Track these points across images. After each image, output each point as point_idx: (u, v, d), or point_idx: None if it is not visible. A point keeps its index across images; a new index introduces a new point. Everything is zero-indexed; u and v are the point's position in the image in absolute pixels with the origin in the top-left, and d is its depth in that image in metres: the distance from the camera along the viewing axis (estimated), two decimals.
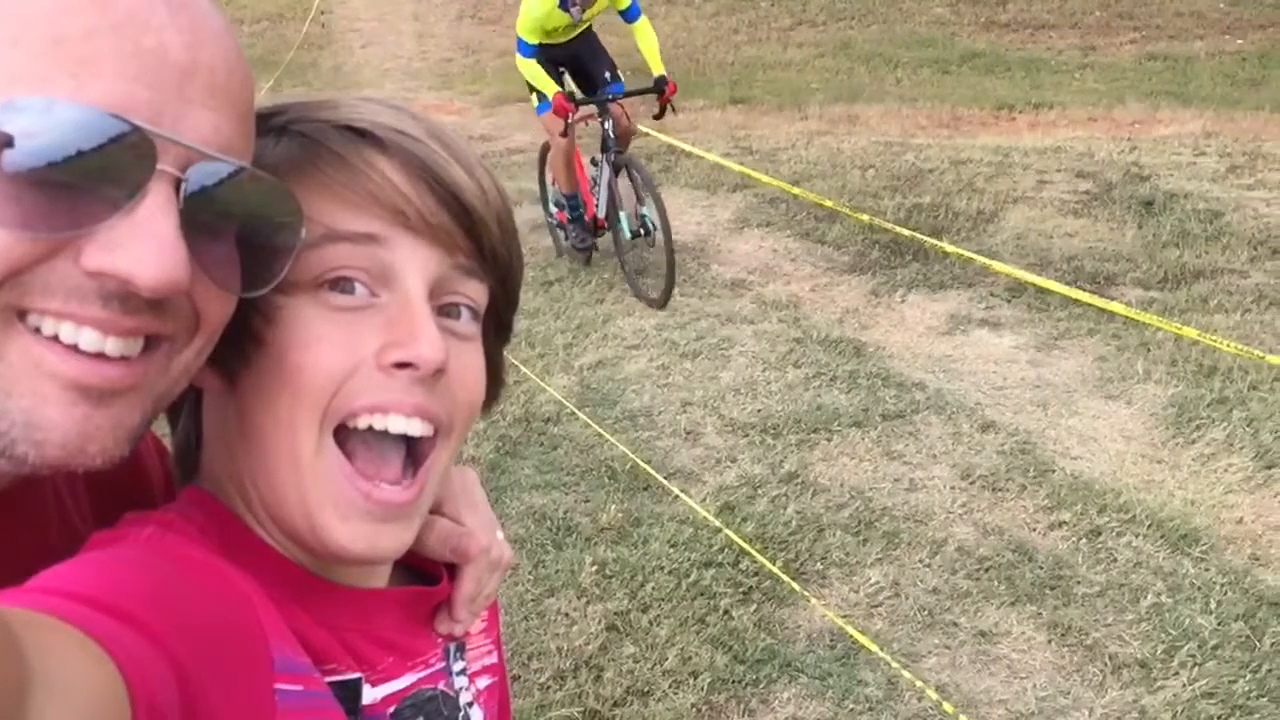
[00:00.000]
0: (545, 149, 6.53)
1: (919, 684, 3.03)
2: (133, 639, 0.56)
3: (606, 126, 5.80)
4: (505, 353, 0.89)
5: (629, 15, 5.85)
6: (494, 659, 0.94)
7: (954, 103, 9.42)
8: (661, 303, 5.63)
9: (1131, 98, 9.30)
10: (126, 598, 0.60)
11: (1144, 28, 11.94)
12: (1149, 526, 3.68)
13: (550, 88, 5.62)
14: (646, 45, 5.87)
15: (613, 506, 3.84)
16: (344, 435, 0.72)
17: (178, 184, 0.61)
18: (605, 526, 3.76)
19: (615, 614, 3.33)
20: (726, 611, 3.35)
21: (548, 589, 3.47)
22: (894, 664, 3.10)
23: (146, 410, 0.66)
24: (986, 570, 3.53)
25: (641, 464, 4.06)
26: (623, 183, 5.90)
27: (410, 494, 0.75)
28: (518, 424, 4.45)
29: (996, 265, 5.05)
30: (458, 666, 0.88)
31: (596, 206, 6.08)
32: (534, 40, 5.61)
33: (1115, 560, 3.55)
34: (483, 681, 0.91)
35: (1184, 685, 3.04)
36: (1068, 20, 12.47)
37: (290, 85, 10.95)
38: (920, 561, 3.58)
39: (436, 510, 0.86)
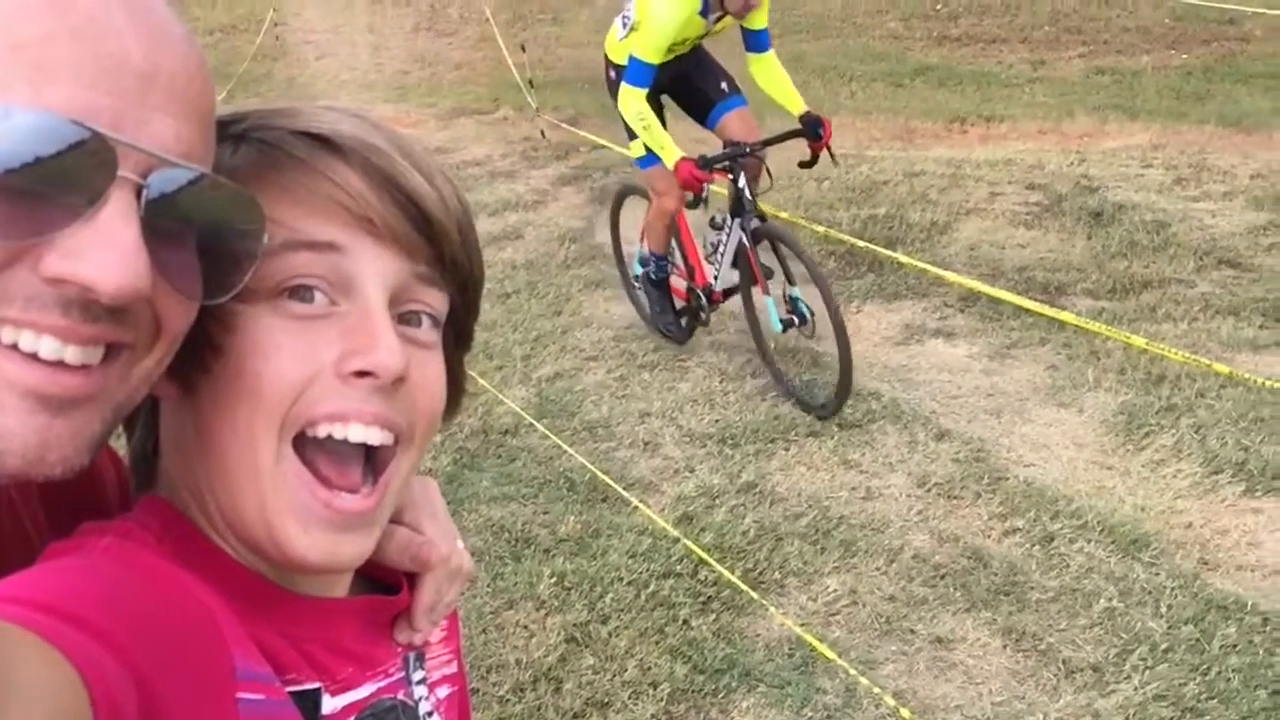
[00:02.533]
0: (621, 195, 5.54)
1: (877, 691, 3.05)
2: (92, 646, 0.56)
3: (741, 185, 4.54)
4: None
5: (758, 42, 4.75)
6: (454, 668, 0.93)
7: (907, 116, 9.51)
8: (833, 409, 4.46)
9: (1080, 111, 9.44)
10: (85, 605, 0.59)
11: (1092, 42, 12.12)
12: (1100, 532, 3.73)
13: (671, 149, 4.41)
14: (778, 81, 4.81)
15: (571, 518, 3.83)
16: (303, 444, 0.72)
17: (139, 190, 0.60)
18: (564, 538, 3.75)
19: (574, 625, 3.33)
20: (685, 621, 3.35)
21: (506, 601, 3.46)
22: (852, 671, 3.12)
23: (107, 419, 0.66)
24: (942, 577, 3.57)
25: (600, 475, 4.06)
26: (761, 253, 4.63)
27: (370, 503, 0.75)
28: (476, 436, 4.43)
29: (950, 276, 5.11)
30: (417, 676, 0.88)
31: (714, 278, 4.92)
32: (656, 59, 4.45)
33: (1068, 566, 3.60)
34: (442, 691, 0.91)
35: (1136, 688, 3.08)
36: (1017, 35, 12.63)
37: (244, 97, 10.86)
38: (877, 569, 3.61)
39: (396, 519, 0.86)
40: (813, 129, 4.63)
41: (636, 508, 3.87)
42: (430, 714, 0.88)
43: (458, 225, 0.77)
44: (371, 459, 0.76)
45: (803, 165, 4.74)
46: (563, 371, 5.04)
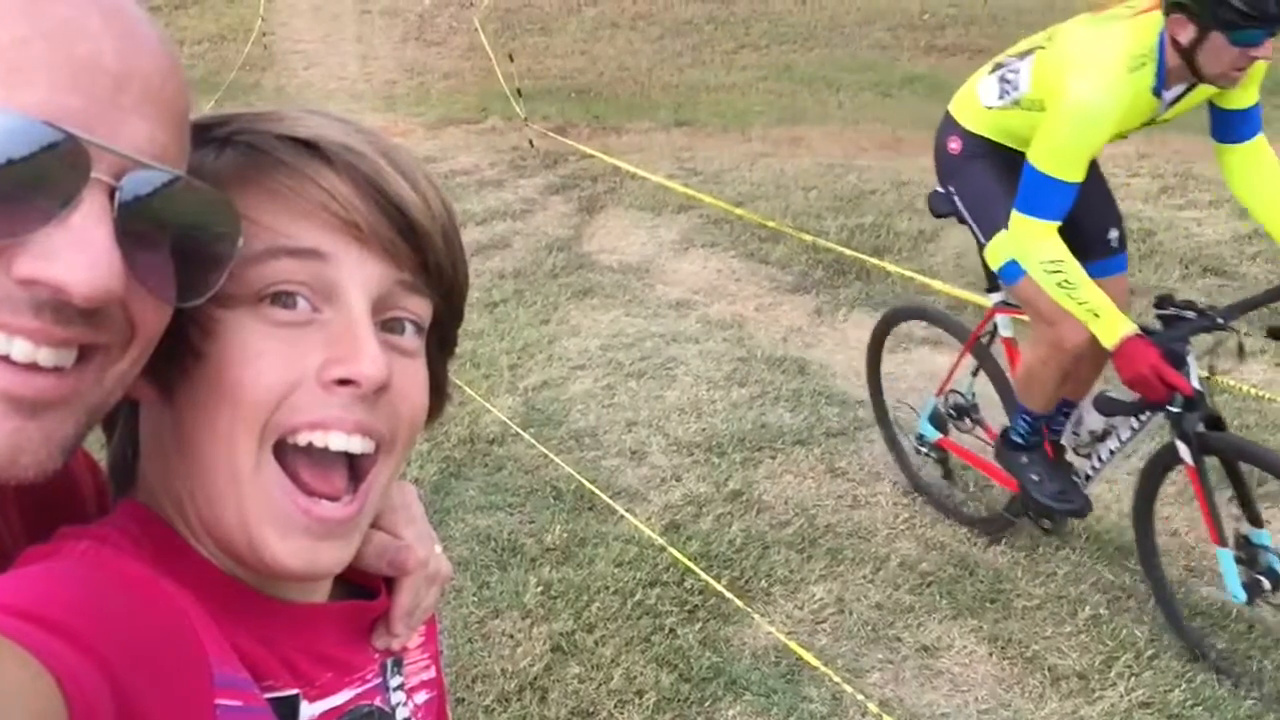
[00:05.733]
0: (893, 318, 4.19)
1: (862, 699, 3.05)
2: (68, 652, 0.56)
3: (1190, 365, 3.01)
4: (449, 370, 0.88)
5: (1242, 124, 3.15)
6: (432, 674, 0.93)
7: (895, 125, 9.53)
8: None
9: None
10: (61, 610, 0.59)
11: None
12: (1086, 539, 3.74)
13: (1114, 317, 2.91)
14: (1266, 185, 3.15)
15: (558, 527, 3.82)
16: (284, 450, 0.72)
17: (112, 192, 0.60)
18: (550, 547, 3.74)
19: (560, 634, 3.32)
20: (672, 630, 3.35)
21: (492, 610, 3.45)
22: (838, 680, 3.12)
23: (80, 422, 0.65)
24: (929, 585, 3.57)
25: (587, 484, 4.06)
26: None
27: (351, 510, 0.75)
28: (462, 445, 4.42)
29: (937, 284, 5.12)
30: (395, 682, 0.87)
31: (1086, 477, 3.52)
32: (1078, 173, 2.93)
33: (1054, 573, 3.61)
34: (420, 697, 0.91)
35: (1121, 695, 3.09)
36: (1005, 45, 12.66)
37: (232, 106, 10.78)
38: (864, 577, 3.61)
39: (374, 523, 0.85)
40: None
41: (623, 517, 3.87)
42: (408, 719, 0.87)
43: (442, 231, 0.77)
44: (353, 466, 0.75)
45: (1273, 334, 3.06)
46: (550, 380, 5.03)
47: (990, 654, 3.28)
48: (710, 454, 4.36)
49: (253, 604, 0.76)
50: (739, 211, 5.77)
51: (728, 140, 9.38)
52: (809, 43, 13.15)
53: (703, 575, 3.54)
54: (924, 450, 4.04)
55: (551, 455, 4.27)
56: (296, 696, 0.76)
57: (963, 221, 3.48)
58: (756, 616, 3.39)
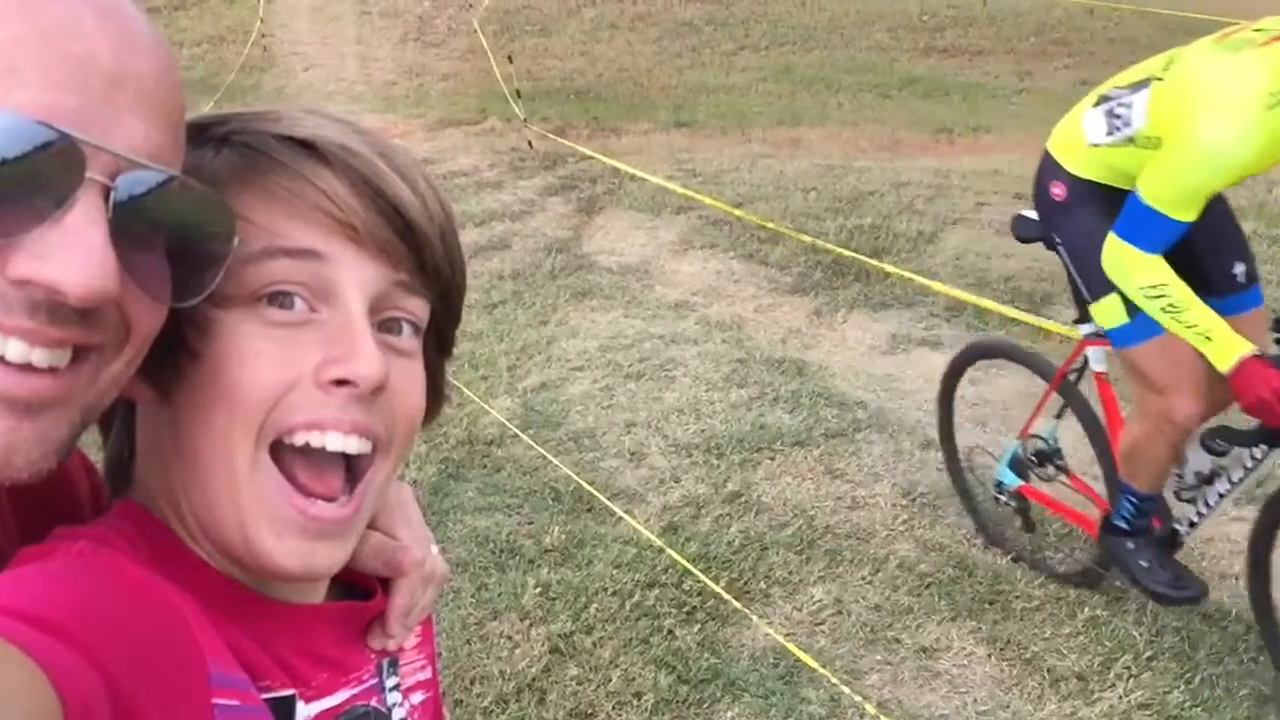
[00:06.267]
0: (967, 358, 3.87)
1: (861, 700, 3.05)
2: (63, 652, 0.56)
3: None
4: (447, 375, 0.88)
5: None
6: (428, 674, 0.93)
7: (894, 126, 9.54)
8: None
9: None
10: (56, 610, 0.59)
11: (1078, 54, 12.19)
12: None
13: (1228, 339, 2.70)
14: None
15: (556, 528, 3.82)
16: (281, 451, 0.72)
17: (107, 192, 0.60)
18: (549, 548, 3.74)
19: (558, 636, 3.32)
20: (670, 632, 3.35)
21: (490, 612, 3.45)
22: (836, 681, 3.12)
23: (74, 422, 0.65)
24: (927, 586, 3.57)
25: (585, 485, 4.05)
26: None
27: (348, 511, 0.75)
28: (461, 447, 4.42)
29: (936, 285, 5.12)
30: (391, 682, 0.87)
31: (1188, 523, 3.23)
32: (1191, 213, 2.69)
33: (1053, 575, 3.60)
34: (416, 697, 0.90)
35: (1120, 697, 3.09)
36: (1004, 46, 12.70)
37: (230, 107, 10.77)
38: (862, 579, 3.61)
39: (371, 524, 0.85)
40: None
41: (621, 518, 3.87)
42: None
43: (440, 232, 0.76)
44: (350, 466, 0.75)
45: None
46: (548, 382, 5.03)
47: (989, 655, 3.28)
48: (709, 455, 4.36)
49: (249, 604, 0.76)
50: (738, 213, 5.77)
51: (727, 141, 9.38)
52: (808, 44, 13.16)
53: (701, 577, 3.54)
54: (1003, 499, 3.72)
55: (550, 457, 4.27)
56: (293, 697, 0.76)
57: (1066, 269, 3.17)
58: (755, 618, 3.39)
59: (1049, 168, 3.13)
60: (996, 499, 3.75)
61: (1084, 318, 3.24)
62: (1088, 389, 3.42)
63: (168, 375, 0.71)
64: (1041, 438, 3.62)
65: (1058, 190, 3.09)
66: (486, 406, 4.65)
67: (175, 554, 0.74)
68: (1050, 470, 3.61)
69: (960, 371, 3.87)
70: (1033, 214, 3.22)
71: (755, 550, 3.74)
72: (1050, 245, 3.19)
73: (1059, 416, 3.58)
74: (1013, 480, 3.67)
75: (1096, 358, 3.30)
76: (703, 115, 10.15)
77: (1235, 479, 3.02)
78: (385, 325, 0.75)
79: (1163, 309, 2.75)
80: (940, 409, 3.95)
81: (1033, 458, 3.64)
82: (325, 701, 0.79)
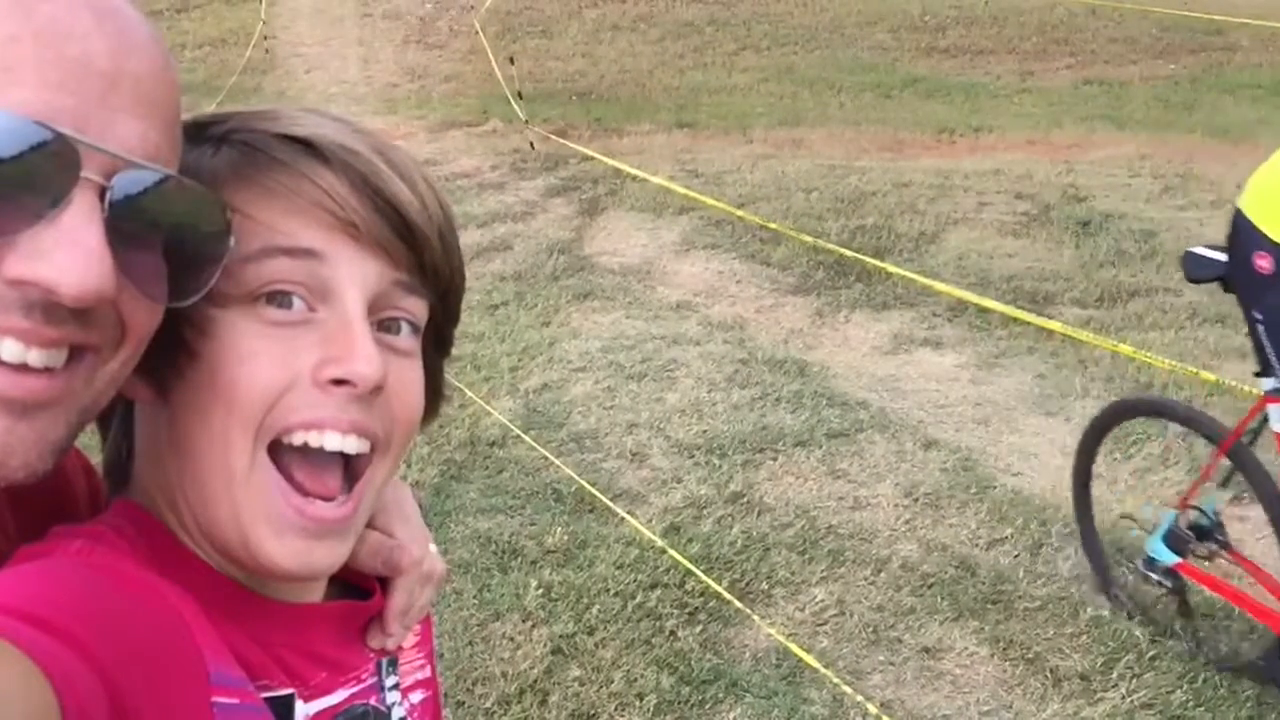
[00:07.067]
0: (1114, 415, 3.49)
1: (863, 701, 3.05)
2: (61, 651, 0.56)
3: None
4: (449, 376, 0.88)
5: None
6: (427, 673, 0.93)
7: (896, 126, 9.54)
8: None
9: (1068, 121, 9.49)
10: (55, 610, 0.59)
11: (1079, 53, 12.19)
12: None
13: None
14: None
15: (558, 529, 3.82)
16: (279, 450, 0.72)
17: (102, 192, 0.60)
18: (551, 549, 3.74)
19: (561, 637, 3.32)
20: (672, 633, 3.34)
21: (493, 613, 3.44)
22: (839, 682, 3.11)
23: (71, 423, 0.65)
24: (930, 586, 3.56)
25: (587, 486, 4.05)
26: None
27: (346, 510, 0.74)
28: (463, 448, 4.42)
29: (938, 285, 5.12)
30: (390, 681, 0.87)
31: None
32: None
33: (1056, 574, 3.60)
34: (416, 696, 0.90)
35: (1123, 697, 3.08)
36: (1005, 46, 12.69)
37: (230, 107, 10.76)
38: (865, 579, 3.61)
39: (369, 524, 0.85)
40: None
41: (624, 519, 3.86)
42: (403, 719, 0.87)
43: (439, 232, 0.76)
44: (348, 466, 0.75)
45: None
46: (550, 383, 5.03)
47: (992, 655, 3.28)
48: (711, 456, 4.36)
49: (247, 604, 0.76)
50: (740, 213, 5.77)
51: (729, 142, 9.38)
52: (810, 44, 13.15)
53: (703, 577, 3.54)
54: (1154, 577, 3.29)
55: (552, 457, 4.27)
56: (291, 696, 0.76)
57: (1252, 329, 2.85)
58: (757, 619, 3.39)
59: (1251, 237, 2.76)
60: (1146, 576, 3.33)
61: (1265, 370, 2.86)
62: (1264, 453, 3.04)
63: (166, 375, 0.71)
64: (1200, 509, 3.23)
65: (1264, 263, 2.73)
66: (488, 408, 4.65)
67: (174, 553, 0.74)
68: (1212, 546, 3.20)
69: (1103, 433, 3.47)
70: (1205, 252, 2.94)
71: (757, 551, 3.73)
72: (1259, 345, 2.87)
73: (1223, 484, 3.26)
74: (1167, 557, 3.23)
75: (1279, 417, 2.90)
76: (704, 116, 10.15)
77: None
78: (384, 325, 0.75)
79: None
80: (1075, 480, 3.54)
81: (1190, 531, 3.21)
82: (324, 700, 0.79)
